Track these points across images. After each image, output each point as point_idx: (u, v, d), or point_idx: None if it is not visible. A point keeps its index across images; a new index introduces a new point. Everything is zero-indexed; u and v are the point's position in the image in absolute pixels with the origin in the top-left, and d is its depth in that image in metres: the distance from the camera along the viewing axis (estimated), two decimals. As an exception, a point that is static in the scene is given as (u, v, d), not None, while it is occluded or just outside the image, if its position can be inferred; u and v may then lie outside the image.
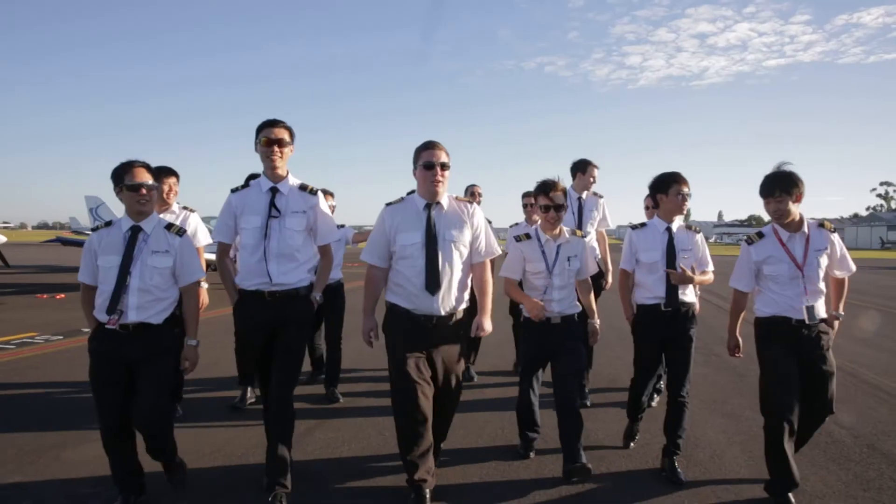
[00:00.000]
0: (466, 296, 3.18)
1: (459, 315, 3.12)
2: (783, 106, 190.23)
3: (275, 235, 3.05)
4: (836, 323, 3.31)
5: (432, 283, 2.97)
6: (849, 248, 3.33)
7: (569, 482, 3.30)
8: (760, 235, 3.28)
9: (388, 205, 3.15)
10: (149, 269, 2.85)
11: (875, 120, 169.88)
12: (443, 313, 3.02)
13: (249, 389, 4.72)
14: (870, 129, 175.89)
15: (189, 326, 3.01)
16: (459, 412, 3.55)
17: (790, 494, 3.07)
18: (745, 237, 3.44)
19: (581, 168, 4.94)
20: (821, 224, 3.26)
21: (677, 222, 3.65)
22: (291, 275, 3.09)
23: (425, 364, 3.03)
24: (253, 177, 3.35)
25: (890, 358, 7.08)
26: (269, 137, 3.08)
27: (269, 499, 2.94)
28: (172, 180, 4.26)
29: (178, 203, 4.43)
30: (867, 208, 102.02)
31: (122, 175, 2.86)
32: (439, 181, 3.00)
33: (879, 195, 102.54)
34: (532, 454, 3.72)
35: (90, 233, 3.06)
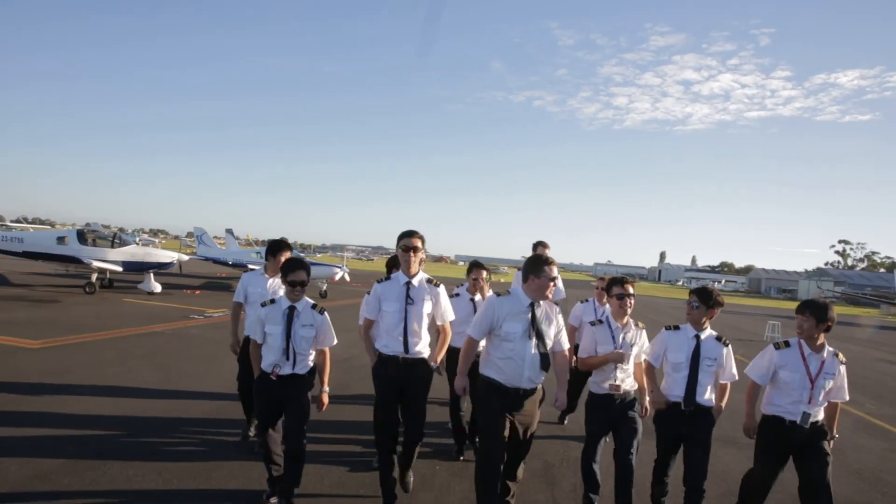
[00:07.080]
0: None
1: (539, 388, 3.86)
2: (763, 155, 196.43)
3: (409, 317, 4.04)
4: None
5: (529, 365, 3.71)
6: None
7: None
8: (787, 344, 3.88)
9: (497, 296, 3.86)
10: (299, 337, 3.93)
11: (849, 179, 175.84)
12: (528, 388, 3.75)
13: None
14: (850, 186, 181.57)
15: (323, 377, 4.11)
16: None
17: None
18: (774, 343, 3.93)
19: (538, 247, 6.19)
20: (836, 353, 3.81)
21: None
22: (419, 346, 4.08)
23: (507, 428, 3.70)
24: (392, 266, 4.63)
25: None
26: (408, 245, 4.08)
27: None
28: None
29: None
30: (825, 263, 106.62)
31: (287, 273, 3.91)
32: (552, 291, 3.78)
33: (837, 252, 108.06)
34: None
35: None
